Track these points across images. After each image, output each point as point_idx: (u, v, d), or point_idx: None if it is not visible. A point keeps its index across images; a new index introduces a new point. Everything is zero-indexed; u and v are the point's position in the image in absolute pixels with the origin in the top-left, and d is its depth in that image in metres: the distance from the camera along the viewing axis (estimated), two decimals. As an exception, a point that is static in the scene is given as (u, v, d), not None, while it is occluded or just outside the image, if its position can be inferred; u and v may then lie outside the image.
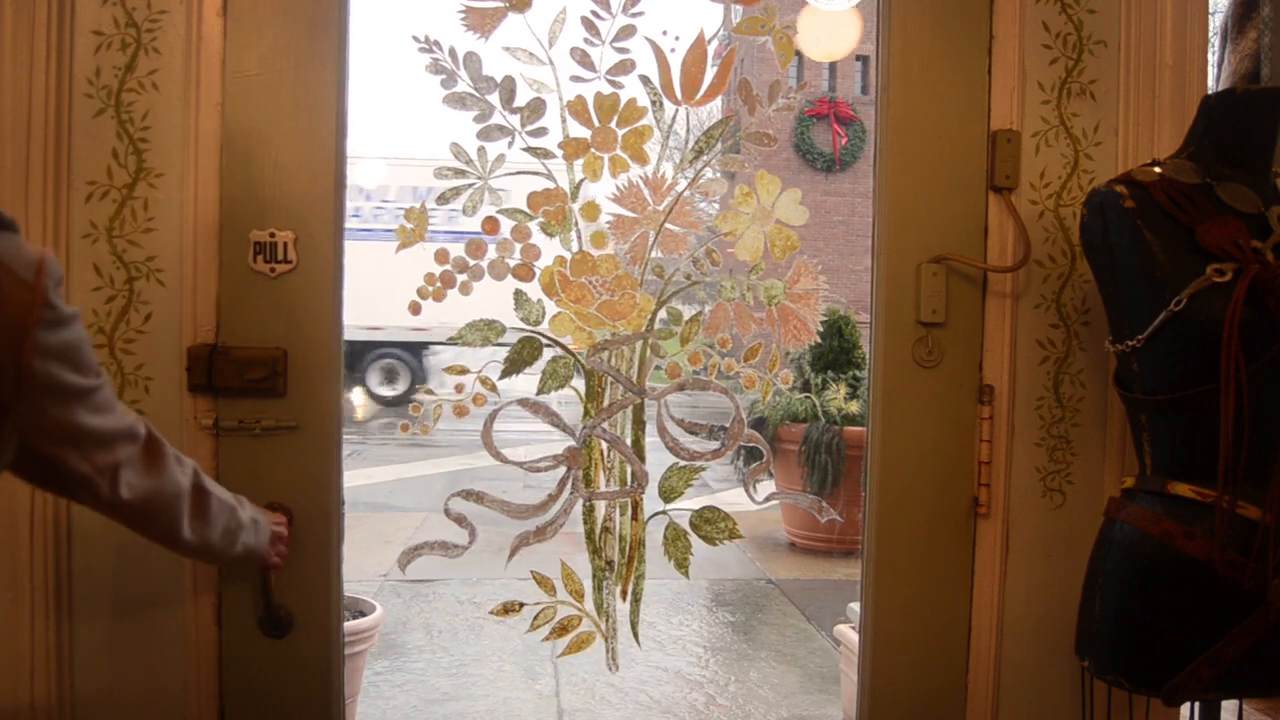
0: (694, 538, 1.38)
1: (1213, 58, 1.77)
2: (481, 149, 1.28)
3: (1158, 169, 1.17)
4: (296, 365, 1.23)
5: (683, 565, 1.38)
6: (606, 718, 3.32)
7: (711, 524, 1.38)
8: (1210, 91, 1.31)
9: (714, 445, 1.36)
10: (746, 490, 1.51)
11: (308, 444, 1.23)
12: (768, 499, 1.52)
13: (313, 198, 1.22)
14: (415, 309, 1.33)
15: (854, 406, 5.53)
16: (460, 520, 1.33)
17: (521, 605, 1.51)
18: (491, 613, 1.53)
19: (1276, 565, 1.07)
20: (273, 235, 1.21)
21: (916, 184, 1.33)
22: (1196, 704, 1.24)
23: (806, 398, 5.68)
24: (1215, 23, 1.66)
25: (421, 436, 1.39)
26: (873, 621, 1.36)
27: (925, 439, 1.34)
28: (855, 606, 1.87)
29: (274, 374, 1.20)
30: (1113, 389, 1.28)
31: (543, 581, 1.39)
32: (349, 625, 1.93)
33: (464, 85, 1.26)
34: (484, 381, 1.34)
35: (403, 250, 1.31)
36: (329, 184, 1.23)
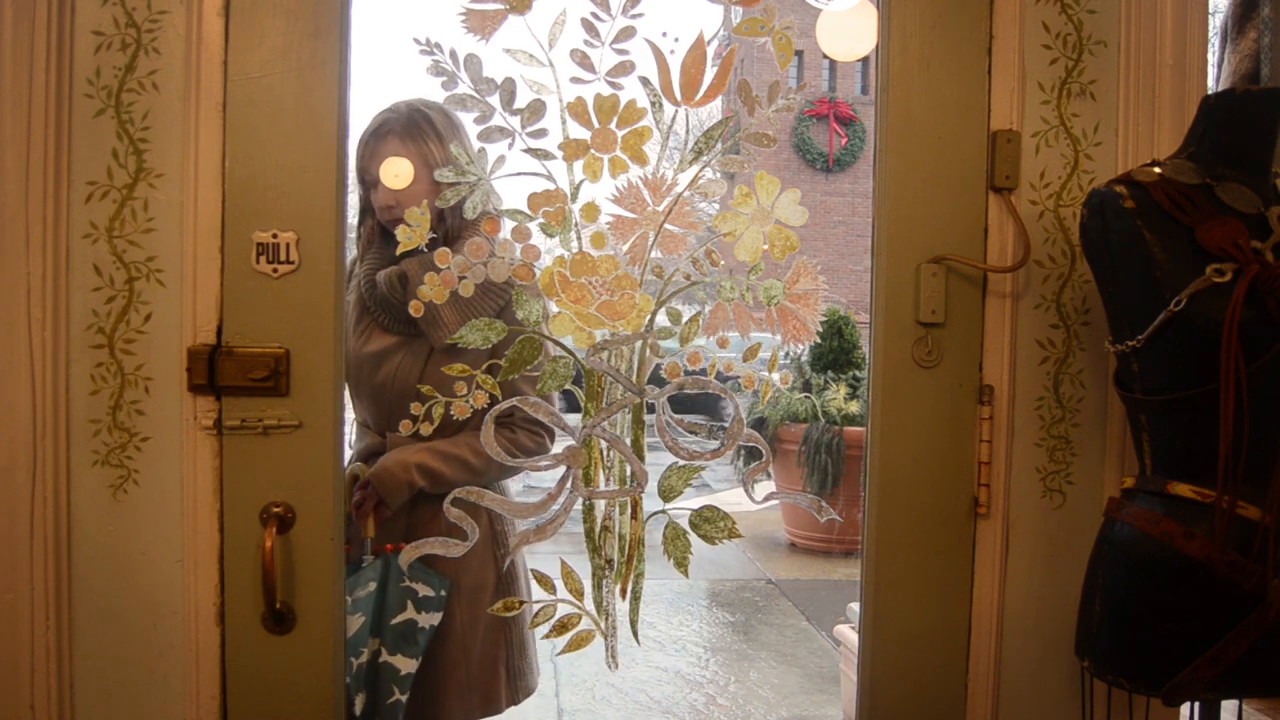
0: (693, 537, 1.38)
1: (1213, 58, 1.77)
2: (482, 150, 1.29)
3: (1157, 169, 1.17)
4: (299, 365, 1.23)
5: (682, 564, 1.39)
6: (606, 717, 3.32)
7: (711, 523, 1.38)
8: (1210, 91, 1.31)
9: (713, 445, 1.36)
10: (745, 490, 1.51)
11: (310, 443, 1.24)
12: (767, 498, 1.51)
13: (315, 199, 1.23)
14: (417, 309, 1.34)
15: (854, 406, 5.54)
16: (460, 519, 1.34)
17: (521, 603, 1.53)
18: (490, 611, 1.53)
19: (1276, 565, 1.07)
20: (275, 236, 1.21)
21: (916, 184, 1.33)
22: (1196, 704, 1.24)
23: (806, 398, 5.68)
24: (1215, 23, 1.66)
25: (424, 435, 1.38)
26: (872, 621, 1.36)
27: (925, 439, 1.34)
28: (855, 606, 1.87)
29: (276, 373, 1.21)
30: (1113, 389, 1.29)
31: (542, 580, 1.39)
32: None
33: (464, 87, 1.26)
34: (484, 381, 1.33)
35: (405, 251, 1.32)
36: (331, 185, 1.23)
